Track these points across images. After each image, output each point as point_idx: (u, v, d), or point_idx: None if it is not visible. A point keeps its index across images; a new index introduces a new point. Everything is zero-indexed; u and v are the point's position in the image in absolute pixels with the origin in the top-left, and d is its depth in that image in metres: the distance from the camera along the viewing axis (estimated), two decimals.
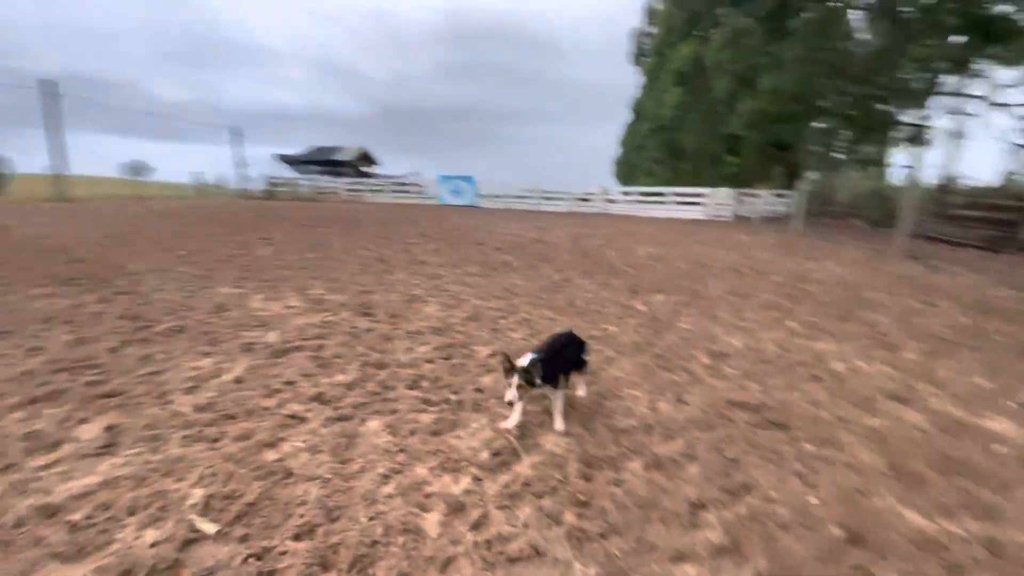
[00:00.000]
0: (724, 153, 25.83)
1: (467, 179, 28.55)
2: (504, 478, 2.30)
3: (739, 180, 23.93)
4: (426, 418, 2.81)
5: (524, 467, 2.39)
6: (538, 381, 2.56)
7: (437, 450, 2.50)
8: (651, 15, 30.87)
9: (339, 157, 32.68)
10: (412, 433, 2.65)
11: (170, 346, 3.73)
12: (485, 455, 2.47)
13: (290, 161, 33.30)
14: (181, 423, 2.64)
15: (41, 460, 2.24)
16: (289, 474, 2.25)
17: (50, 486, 2.06)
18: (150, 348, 3.67)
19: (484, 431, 2.71)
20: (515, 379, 2.49)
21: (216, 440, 2.50)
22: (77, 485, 2.08)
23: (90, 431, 2.51)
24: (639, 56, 32.79)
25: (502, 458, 2.46)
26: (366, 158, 34.63)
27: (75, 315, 4.34)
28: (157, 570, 1.67)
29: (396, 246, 9.59)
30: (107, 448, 2.37)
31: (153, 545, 1.77)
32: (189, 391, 3.01)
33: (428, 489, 2.19)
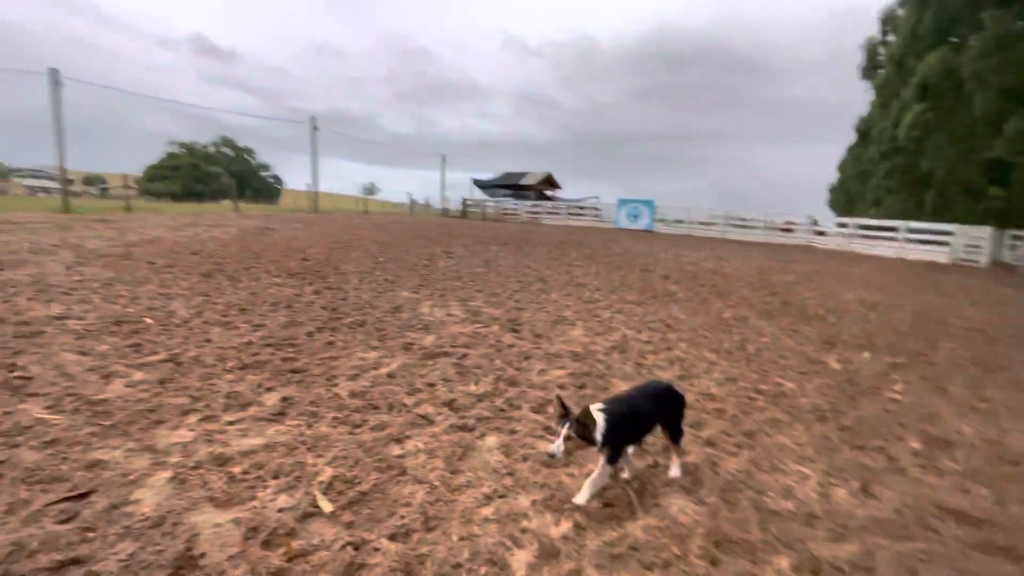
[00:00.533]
0: (985, 183, 20.09)
1: (647, 203, 27.77)
2: (610, 534, 2.03)
3: (1006, 217, 18.28)
4: (543, 446, 2.68)
5: (636, 527, 2.08)
6: (597, 439, 2.08)
7: (545, 484, 2.35)
8: (890, 22, 26.06)
9: (525, 181, 35.03)
10: (524, 459, 2.55)
11: (350, 337, 4.34)
12: (595, 503, 2.23)
13: (482, 185, 36.95)
14: (336, 405, 3.01)
15: (231, 416, 2.77)
16: (403, 472, 2.35)
17: (229, 439, 2.52)
18: (335, 336, 4.32)
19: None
20: (565, 429, 2.06)
21: (357, 426, 2.78)
22: (247, 443, 2.51)
23: (271, 399, 3.03)
24: (872, 69, 27.92)
25: (614, 511, 2.19)
26: (549, 182, 36.42)
27: (294, 302, 5.40)
28: (276, 533, 1.88)
29: (559, 267, 9.73)
30: (278, 416, 2.82)
31: (280, 510, 2.01)
32: (351, 378, 3.44)
33: (526, 524, 2.06)
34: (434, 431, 2.78)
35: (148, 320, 4.42)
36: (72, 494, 2.00)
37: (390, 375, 3.53)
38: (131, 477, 2.16)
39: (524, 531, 2.01)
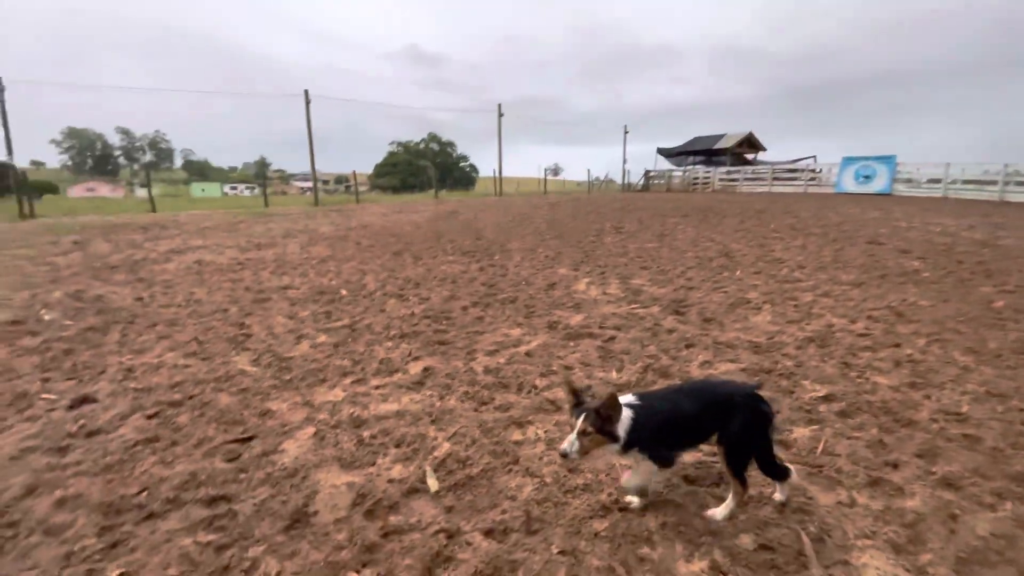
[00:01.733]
0: None
1: (884, 160, 22.26)
2: None
3: None
4: (690, 460, 2.18)
5: None
6: (620, 436, 1.61)
7: (682, 504, 1.89)
8: None
9: (719, 145, 31.36)
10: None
11: (499, 312, 4.34)
12: (747, 540, 1.69)
13: (668, 153, 34.35)
14: (468, 380, 2.98)
15: (378, 381, 2.96)
16: (516, 460, 2.16)
17: (369, 403, 2.67)
18: (486, 311, 4.38)
19: (763, 507, 1.88)
20: (579, 422, 1.60)
21: (483, 404, 2.69)
22: (383, 408, 2.62)
23: (415, 368, 3.16)
24: None
25: (774, 557, 1.62)
26: (750, 143, 31.90)
27: (459, 278, 5.69)
28: (379, 504, 1.88)
29: (750, 240, 8.32)
30: (416, 385, 2.91)
31: (390, 481, 2.01)
32: (489, 353, 3.39)
33: (648, 552, 1.66)
34: (560, 419, 2.51)
35: (343, 292, 5.13)
36: (240, 437, 2.34)
37: (528, 354, 3.37)
38: (286, 428, 2.44)
39: (642, 560, 1.62)
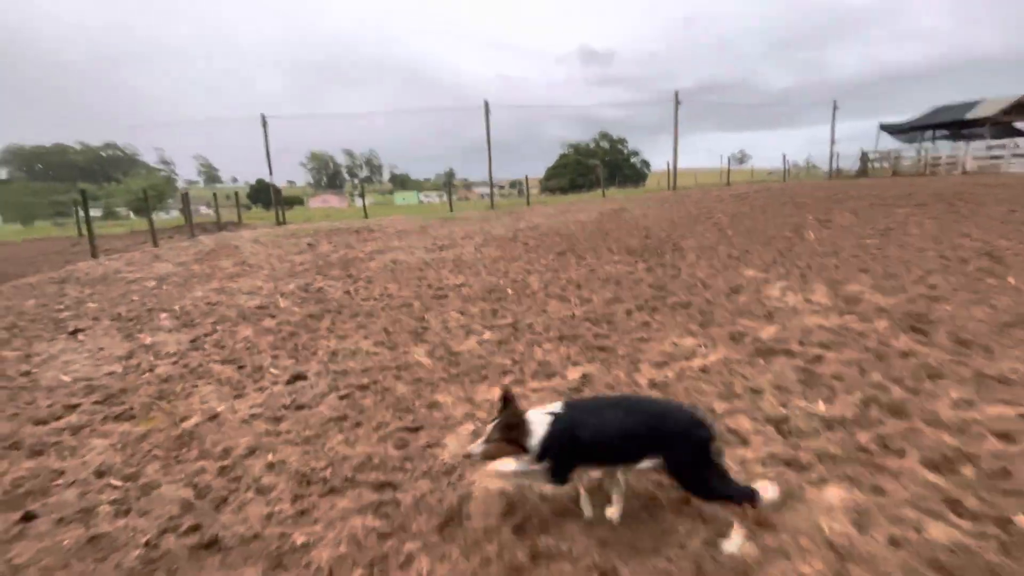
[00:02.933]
0: None
1: None
2: None
3: None
4: (938, 533, 1.58)
5: None
6: (532, 447, 1.61)
7: None
8: None
9: (973, 115, 24.31)
10: (893, 543, 1.56)
11: (668, 319, 3.92)
12: None
13: (896, 130, 27.91)
14: (631, 392, 2.70)
15: (536, 384, 2.88)
16: (687, 501, 1.83)
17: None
18: (652, 317, 4.00)
19: None
20: (488, 430, 1.66)
21: None
22: None
23: (574, 373, 3.00)
24: None
25: None
26: (1022, 109, 24.00)
27: (623, 279, 5.37)
28: (530, 522, 1.76)
29: None
30: (573, 392, 2.75)
31: (543, 498, 1.88)
32: (656, 365, 3.05)
33: None
34: (744, 456, 2.08)
35: (509, 291, 5.27)
36: (410, 425, 2.48)
37: (703, 370, 2.93)
38: (449, 422, 2.51)
39: None
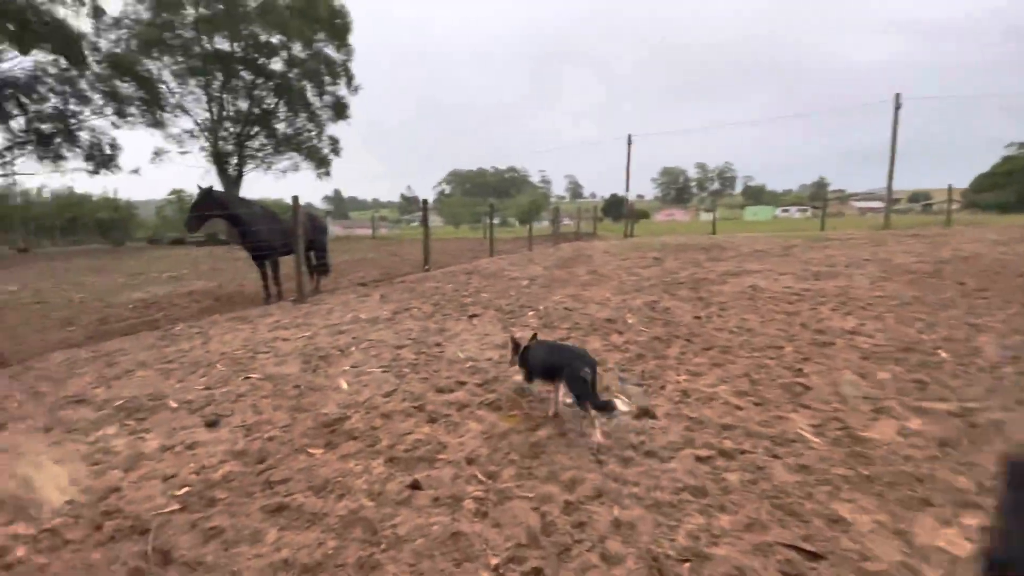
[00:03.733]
0: None
1: None
2: None
3: None
4: None
5: None
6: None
7: None
8: None
9: None
10: None
11: None
12: None
13: None
14: None
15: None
16: None
17: None
18: None
19: None
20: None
21: None
22: None
23: None
24: None
25: None
26: None
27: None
28: None
29: None
30: None
31: None
32: None
33: None
34: None
35: (942, 354, 3.57)
36: (801, 545, 1.71)
37: None
38: (869, 566, 1.60)
39: None
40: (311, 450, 2.53)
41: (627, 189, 24.86)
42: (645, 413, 2.77)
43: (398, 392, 3.23)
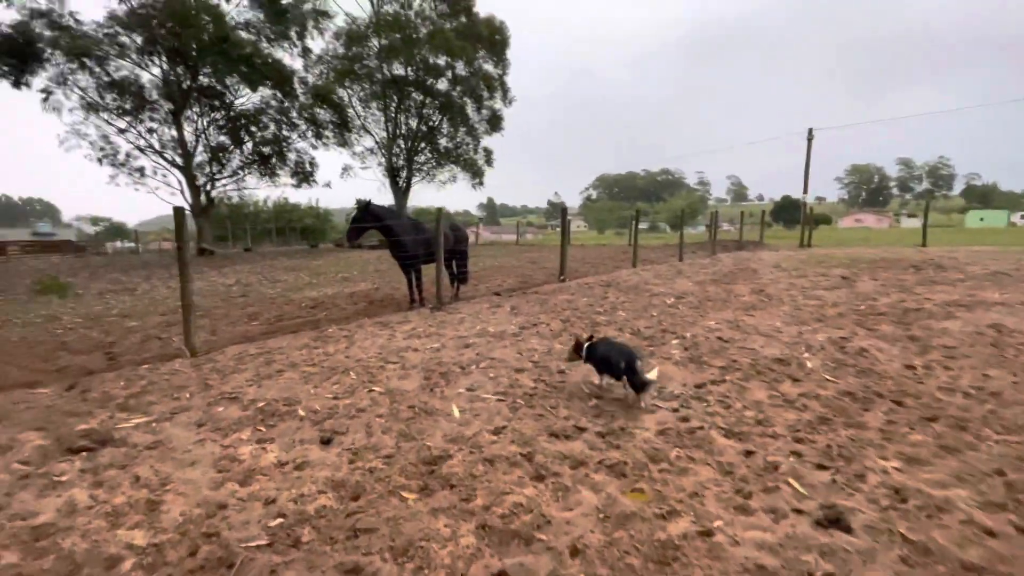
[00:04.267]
0: None
1: None
2: None
3: None
4: None
5: None
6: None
7: None
8: None
9: None
10: None
11: None
12: None
13: None
14: None
15: None
16: None
17: None
18: None
19: None
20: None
21: None
22: None
23: None
24: None
25: None
26: None
27: None
28: None
29: None
30: None
31: None
32: None
33: None
34: None
35: None
36: None
37: None
38: None
39: None
40: (405, 493, 2.29)
41: (805, 191, 21.34)
42: (834, 522, 1.94)
43: (508, 430, 2.87)
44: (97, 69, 19.76)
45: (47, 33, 16.96)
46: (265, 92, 23.82)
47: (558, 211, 10.60)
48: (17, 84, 14.68)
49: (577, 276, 10.12)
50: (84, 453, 2.78)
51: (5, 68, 14.28)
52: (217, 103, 23.07)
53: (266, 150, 24.44)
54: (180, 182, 23.12)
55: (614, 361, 3.13)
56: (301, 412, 3.30)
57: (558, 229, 10.02)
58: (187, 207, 23.58)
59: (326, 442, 2.87)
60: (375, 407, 3.35)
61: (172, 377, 4.16)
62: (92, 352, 5.40)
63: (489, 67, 29.57)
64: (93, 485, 2.45)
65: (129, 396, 3.69)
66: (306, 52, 24.85)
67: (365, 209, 6.96)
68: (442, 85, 29.05)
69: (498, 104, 30.23)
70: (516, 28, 29.29)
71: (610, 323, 5.48)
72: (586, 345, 3.40)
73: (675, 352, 4.30)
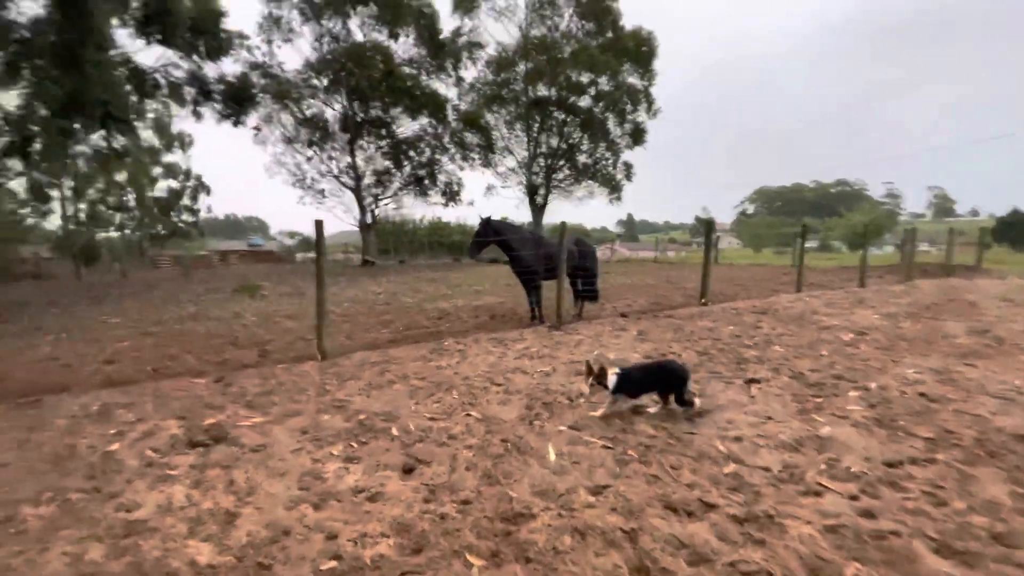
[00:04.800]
0: None
1: None
2: None
3: None
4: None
5: None
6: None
7: None
8: None
9: None
10: None
11: None
12: None
13: None
14: None
15: None
16: None
17: None
18: None
19: None
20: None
21: None
22: None
23: None
24: None
25: None
26: None
27: None
28: None
29: None
30: None
31: None
32: None
33: None
34: None
35: None
36: None
37: None
38: None
39: None
40: (472, 557, 1.90)
41: None
42: None
43: (610, 492, 2.31)
44: (295, 108, 23.94)
45: (261, 81, 21.25)
46: (423, 120, 26.30)
47: (704, 227, 9.46)
48: (236, 123, 18.54)
49: (723, 300, 8.85)
50: (200, 448, 2.94)
51: (229, 111, 18.07)
52: (383, 132, 26.12)
53: (421, 172, 26.87)
54: (352, 202, 26.61)
55: (673, 375, 3.25)
56: (395, 431, 3.14)
57: (703, 246, 8.92)
58: (355, 224, 27.03)
59: (408, 471, 2.63)
60: (467, 436, 3.04)
61: (299, 379, 4.40)
62: (252, 348, 6.12)
63: (634, 79, 28.65)
64: (193, 484, 2.52)
65: (258, 394, 3.95)
66: (459, 81, 26.87)
67: (486, 225, 6.92)
68: (584, 102, 28.96)
69: (642, 116, 29.07)
70: (662, 29, 27.94)
71: (761, 361, 4.48)
72: (618, 371, 3.23)
73: (854, 408, 3.24)
